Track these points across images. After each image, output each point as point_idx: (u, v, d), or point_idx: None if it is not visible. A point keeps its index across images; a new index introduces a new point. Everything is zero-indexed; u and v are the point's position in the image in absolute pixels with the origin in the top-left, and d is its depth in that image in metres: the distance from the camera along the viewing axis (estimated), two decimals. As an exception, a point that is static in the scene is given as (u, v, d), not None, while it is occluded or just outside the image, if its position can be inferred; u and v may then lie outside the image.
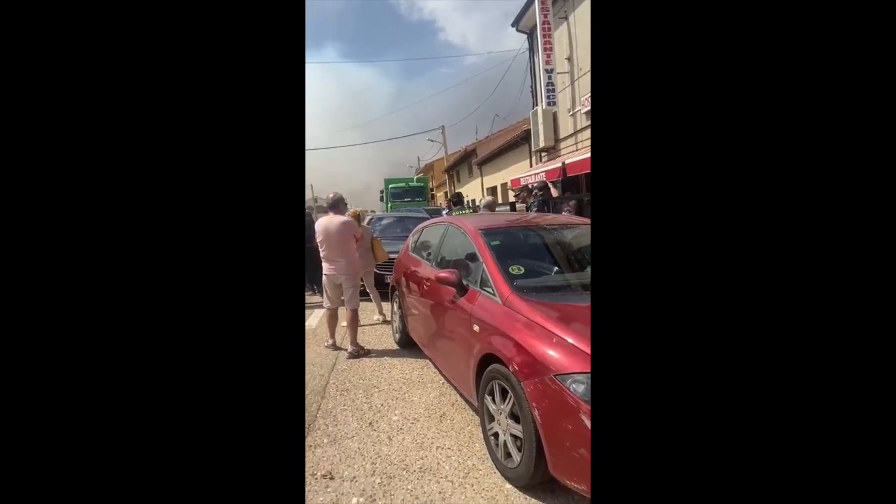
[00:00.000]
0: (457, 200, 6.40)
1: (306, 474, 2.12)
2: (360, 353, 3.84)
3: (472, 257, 2.68)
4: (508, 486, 1.95)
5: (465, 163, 22.49)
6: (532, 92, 12.10)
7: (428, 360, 3.59)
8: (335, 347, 4.03)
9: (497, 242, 2.66)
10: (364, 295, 4.59)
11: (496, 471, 2.06)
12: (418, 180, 21.48)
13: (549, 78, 10.03)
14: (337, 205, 3.94)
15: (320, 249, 3.89)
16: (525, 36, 12.42)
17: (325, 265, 3.91)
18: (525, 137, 13.04)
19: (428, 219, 5.15)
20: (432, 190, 23.41)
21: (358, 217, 4.70)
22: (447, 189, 27.45)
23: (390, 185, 19.55)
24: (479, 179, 19.72)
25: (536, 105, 11.11)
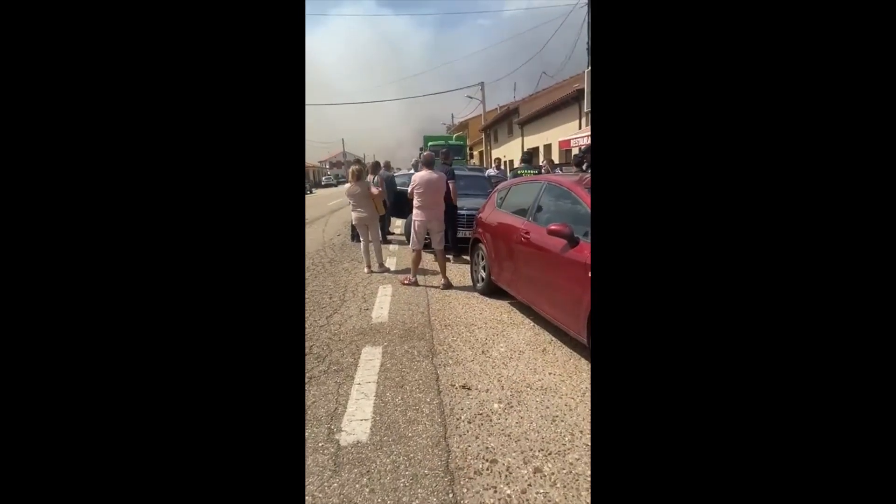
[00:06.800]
0: (527, 159, 6.90)
1: (446, 384, 2.57)
2: (448, 285, 4.64)
3: (581, 213, 2.97)
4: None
5: (505, 121, 22.15)
6: (588, 50, 11.76)
7: (510, 304, 4.00)
8: (416, 284, 4.75)
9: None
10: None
11: (607, 392, 2.46)
12: (457, 138, 21.37)
13: (611, 36, 9.73)
14: (431, 162, 4.58)
15: (416, 199, 4.46)
16: (584, -11, 11.90)
17: (419, 212, 4.49)
18: (576, 97, 12.80)
19: (491, 178, 5.70)
20: (470, 149, 23.24)
21: (359, 173, 5.34)
22: (483, 148, 27.20)
23: (430, 143, 19.52)
24: (520, 139, 19.50)
25: (593, 64, 10.85)
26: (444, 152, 6.43)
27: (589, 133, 10.08)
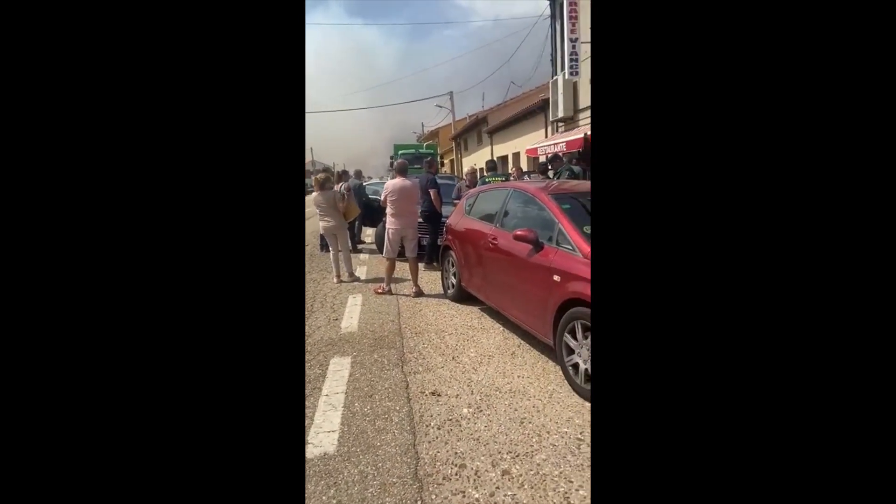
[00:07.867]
0: (492, 167, 7.23)
1: (416, 392, 2.56)
2: (420, 293, 4.61)
3: (545, 219, 3.03)
4: (589, 403, 2.40)
5: (475, 130, 22.43)
6: (552, 60, 12.11)
7: (480, 310, 4.03)
8: (390, 293, 4.71)
9: (567, 206, 3.02)
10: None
11: (574, 393, 2.51)
12: (427, 147, 21.49)
13: (574, 47, 10.05)
14: (404, 170, 4.61)
15: (390, 207, 4.45)
16: (547, 2, 12.29)
17: (393, 220, 4.48)
18: (542, 107, 13.12)
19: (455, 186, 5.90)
20: (441, 157, 23.42)
21: (325, 182, 5.28)
22: (454, 157, 27.43)
23: (400, 151, 19.55)
24: (489, 148, 19.78)
25: (557, 74, 11.18)
26: (429, 161, 6.43)
27: (554, 142, 10.35)
